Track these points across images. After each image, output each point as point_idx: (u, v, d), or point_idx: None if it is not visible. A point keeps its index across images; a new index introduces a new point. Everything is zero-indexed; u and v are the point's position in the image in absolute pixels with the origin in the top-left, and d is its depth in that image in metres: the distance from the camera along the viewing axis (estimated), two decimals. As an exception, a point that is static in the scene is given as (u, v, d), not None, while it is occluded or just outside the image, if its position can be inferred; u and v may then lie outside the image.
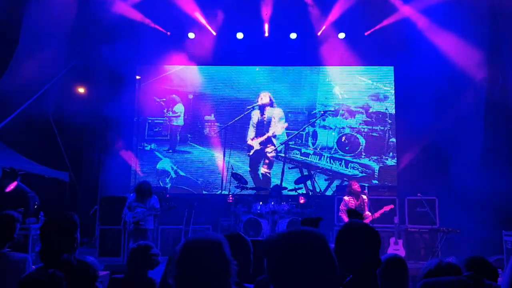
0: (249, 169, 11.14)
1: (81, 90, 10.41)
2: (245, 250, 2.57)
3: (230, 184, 10.31)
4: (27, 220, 7.02)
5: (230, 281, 1.75)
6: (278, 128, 11.25)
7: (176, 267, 1.71)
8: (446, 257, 7.11)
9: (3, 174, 7.11)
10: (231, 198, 9.69)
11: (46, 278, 1.95)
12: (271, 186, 10.41)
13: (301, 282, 1.40)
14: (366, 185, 10.00)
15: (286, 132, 11.24)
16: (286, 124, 11.25)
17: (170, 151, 11.32)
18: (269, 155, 11.17)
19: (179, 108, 11.41)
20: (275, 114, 11.29)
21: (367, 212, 7.79)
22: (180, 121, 11.40)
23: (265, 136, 11.22)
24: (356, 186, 7.93)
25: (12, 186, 6.97)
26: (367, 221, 7.58)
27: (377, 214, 7.85)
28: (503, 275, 1.46)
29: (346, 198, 7.93)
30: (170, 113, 11.41)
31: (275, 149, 11.16)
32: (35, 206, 7.33)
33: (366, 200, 7.97)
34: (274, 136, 11.24)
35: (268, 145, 11.20)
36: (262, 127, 11.28)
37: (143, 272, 3.57)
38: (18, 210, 6.52)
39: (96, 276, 2.26)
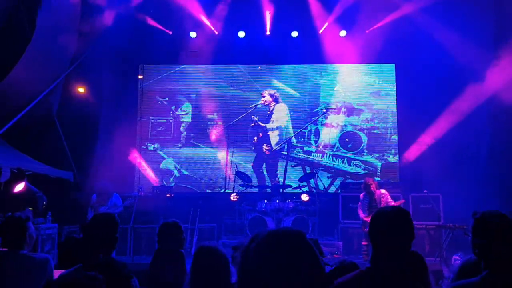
0: (252, 164, 11.21)
1: (84, 89, 10.39)
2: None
3: (234, 183, 10.34)
4: (36, 220, 7.01)
5: None
6: (274, 123, 11.30)
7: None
8: (452, 254, 7.12)
9: (11, 174, 7.11)
10: (235, 196, 9.69)
11: (87, 280, 1.73)
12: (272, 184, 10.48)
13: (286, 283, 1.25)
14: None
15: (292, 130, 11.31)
16: (286, 119, 11.28)
17: (174, 150, 11.32)
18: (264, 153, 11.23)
19: (188, 107, 11.42)
20: (279, 109, 11.33)
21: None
22: (187, 119, 11.40)
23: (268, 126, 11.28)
24: (367, 182, 7.86)
25: (21, 187, 6.98)
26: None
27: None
28: None
29: (361, 195, 8.01)
30: (179, 111, 11.42)
31: (269, 149, 11.20)
32: (43, 206, 7.34)
33: (385, 195, 7.74)
34: (272, 130, 11.27)
35: (264, 144, 11.25)
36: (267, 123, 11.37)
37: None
38: (27, 210, 6.55)
39: (131, 275, 2.23)
